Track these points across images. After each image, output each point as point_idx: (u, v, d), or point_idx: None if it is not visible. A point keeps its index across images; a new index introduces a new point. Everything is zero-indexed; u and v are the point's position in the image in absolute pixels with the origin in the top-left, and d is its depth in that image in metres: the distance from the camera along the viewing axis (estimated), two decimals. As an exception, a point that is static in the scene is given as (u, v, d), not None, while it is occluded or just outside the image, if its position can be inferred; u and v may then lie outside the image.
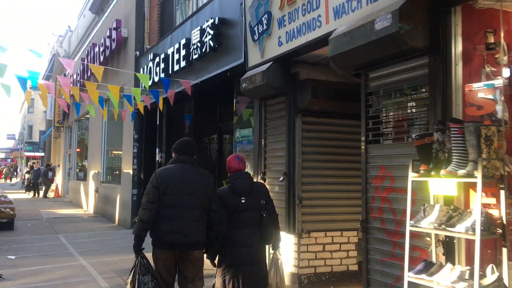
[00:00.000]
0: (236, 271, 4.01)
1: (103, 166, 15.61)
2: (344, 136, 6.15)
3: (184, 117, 10.90)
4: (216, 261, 4.19)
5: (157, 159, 11.07)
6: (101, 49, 13.98)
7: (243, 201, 4.11)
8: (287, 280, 5.46)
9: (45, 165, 27.83)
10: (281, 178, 6.02)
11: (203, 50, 8.01)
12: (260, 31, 6.29)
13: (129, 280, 4.07)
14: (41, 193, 23.63)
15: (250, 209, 4.14)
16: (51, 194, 23.96)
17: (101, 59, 13.92)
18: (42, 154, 38.17)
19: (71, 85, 9.01)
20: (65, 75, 18.87)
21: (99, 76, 7.61)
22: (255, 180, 5.31)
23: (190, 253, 4.01)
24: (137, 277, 3.98)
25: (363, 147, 4.68)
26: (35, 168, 25.66)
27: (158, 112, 11.12)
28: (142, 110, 10.17)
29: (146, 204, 3.97)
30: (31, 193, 24.48)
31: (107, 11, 15.36)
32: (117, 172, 14.38)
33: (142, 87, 9.46)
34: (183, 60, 8.86)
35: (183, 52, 8.85)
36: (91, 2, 18.18)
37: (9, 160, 62.47)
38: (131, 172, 12.10)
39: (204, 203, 4.03)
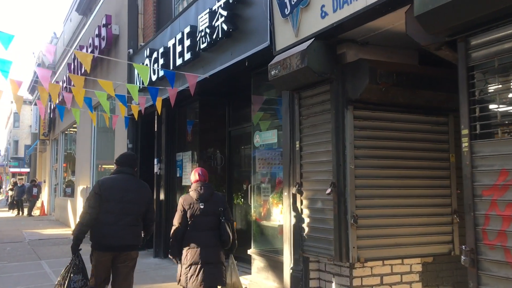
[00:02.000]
0: (196, 270, 4.47)
1: (92, 180, 14.06)
2: (410, 136, 4.76)
3: (186, 122, 9.46)
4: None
5: (155, 171, 9.59)
6: (89, 50, 12.52)
7: (202, 206, 4.62)
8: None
9: (30, 181, 26.09)
10: (329, 191, 4.58)
11: (214, 36, 6.61)
12: (293, 3, 4.91)
13: (61, 277, 4.46)
14: (26, 211, 21.91)
15: (209, 214, 4.64)
16: (36, 212, 22.25)
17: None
18: (28, 169, 36.33)
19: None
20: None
21: (87, 65, 6.17)
22: (286, 193, 5.45)
23: (127, 254, 4.49)
24: (69, 275, 4.38)
25: (465, 144, 3.28)
26: (19, 185, 23.97)
27: (156, 117, 9.67)
28: (136, 115, 8.74)
29: (87, 209, 4.43)
30: (15, 211, 22.75)
31: (96, 9, 13.94)
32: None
33: (140, 84, 7.99)
34: (187, 52, 7.45)
35: (187, 43, 7.44)
36: (77, 2, 16.74)
37: (-6, 176, 60.17)
38: (124, 186, 10.56)
39: (140, 210, 4.56)
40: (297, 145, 5.19)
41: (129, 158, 4.87)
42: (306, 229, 5.04)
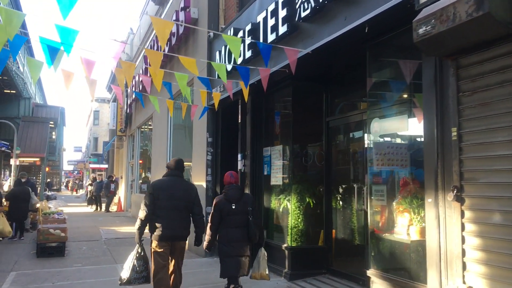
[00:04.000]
0: (228, 261, 5.28)
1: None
2: None
3: (275, 113, 8.20)
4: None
5: (239, 167, 8.44)
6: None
7: (233, 207, 5.33)
8: None
9: (107, 176, 26.38)
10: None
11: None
12: None
13: (126, 262, 5.33)
14: (103, 206, 21.96)
15: (239, 213, 5.34)
16: (113, 208, 22.25)
17: (166, 51, 11.60)
18: (106, 165, 37.27)
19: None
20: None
21: (157, 64, 5.15)
22: (430, 200, 4.02)
23: (177, 244, 5.35)
24: (133, 261, 5.28)
25: None
26: (97, 180, 24.15)
27: (239, 106, 8.51)
28: (217, 103, 7.62)
29: (144, 207, 5.28)
30: (94, 207, 22.92)
31: (172, -4, 13.13)
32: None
33: (230, 62, 6.80)
34: (283, 24, 6.16)
35: (282, 13, 6.16)
36: (153, -8, 16.12)
37: (76, 172, 63.29)
38: (204, 184, 9.56)
39: (187, 207, 5.36)
40: (454, 133, 3.70)
41: (178, 162, 5.58)
42: (473, 253, 3.54)
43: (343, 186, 7.00)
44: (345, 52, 5.91)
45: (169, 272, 5.35)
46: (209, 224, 5.36)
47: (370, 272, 5.12)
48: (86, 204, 25.95)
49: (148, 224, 5.26)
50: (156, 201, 5.22)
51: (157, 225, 5.20)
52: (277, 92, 7.86)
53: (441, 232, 3.80)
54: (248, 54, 7.31)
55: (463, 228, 3.61)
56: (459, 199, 3.61)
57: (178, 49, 11.57)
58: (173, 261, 5.39)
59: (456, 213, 3.65)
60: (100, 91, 51.86)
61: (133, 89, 16.33)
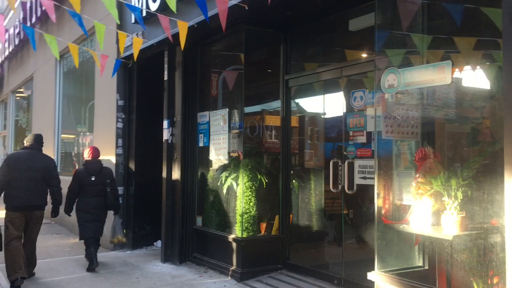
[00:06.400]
0: (85, 226, 6.06)
1: (56, 151, 10.81)
2: None
3: (216, 67, 6.47)
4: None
5: (165, 137, 6.59)
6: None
7: (93, 178, 6.09)
8: None
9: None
10: None
11: None
12: None
13: None
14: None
15: (98, 184, 6.14)
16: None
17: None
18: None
19: None
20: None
21: None
22: None
23: (33, 213, 5.49)
24: None
25: None
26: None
27: (166, 59, 6.62)
28: (136, 54, 5.75)
29: None
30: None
31: None
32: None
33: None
34: None
35: None
36: None
37: None
38: (113, 159, 7.52)
39: (45, 179, 5.55)
40: None
41: (36, 137, 5.81)
42: None
43: (309, 161, 5.62)
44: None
45: (22, 242, 5.47)
46: (67, 193, 6.13)
47: (374, 276, 3.82)
48: None
49: (3, 195, 5.41)
50: (13, 172, 5.38)
51: (12, 195, 5.35)
52: (222, 41, 6.14)
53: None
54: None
55: None
56: None
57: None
58: (28, 232, 5.56)
59: None
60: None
61: (17, 32, 13.06)
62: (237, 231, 5.60)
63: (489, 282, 3.18)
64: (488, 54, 3.77)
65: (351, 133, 4.87)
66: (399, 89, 3.73)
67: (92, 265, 5.98)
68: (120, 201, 7.45)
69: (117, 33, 6.45)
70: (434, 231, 3.47)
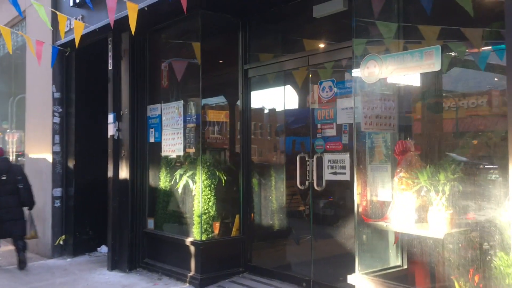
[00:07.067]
0: (2, 225, 5.94)
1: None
2: None
3: (168, 56, 5.93)
4: None
5: (110, 132, 5.97)
6: None
7: (3, 177, 5.97)
8: None
9: None
10: None
11: None
12: None
13: None
14: None
15: (9, 182, 6.01)
16: None
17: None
18: None
19: None
20: None
21: None
22: None
23: None
24: None
25: None
26: None
27: (110, 46, 5.98)
28: (77, 40, 5.18)
29: None
30: None
31: None
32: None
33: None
34: None
35: None
36: None
37: None
38: (49, 157, 6.76)
39: None
40: None
41: None
42: None
43: (272, 156, 5.28)
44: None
45: None
46: None
47: (354, 278, 3.56)
48: None
49: None
50: None
51: None
52: (174, 27, 5.62)
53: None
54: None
55: None
56: None
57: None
58: None
59: None
60: None
61: None
62: (195, 234, 5.15)
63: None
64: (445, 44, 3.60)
65: (319, 126, 4.59)
66: (380, 77, 3.47)
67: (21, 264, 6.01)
68: (58, 204, 6.78)
69: (54, 16, 5.75)
70: (421, 229, 3.25)
